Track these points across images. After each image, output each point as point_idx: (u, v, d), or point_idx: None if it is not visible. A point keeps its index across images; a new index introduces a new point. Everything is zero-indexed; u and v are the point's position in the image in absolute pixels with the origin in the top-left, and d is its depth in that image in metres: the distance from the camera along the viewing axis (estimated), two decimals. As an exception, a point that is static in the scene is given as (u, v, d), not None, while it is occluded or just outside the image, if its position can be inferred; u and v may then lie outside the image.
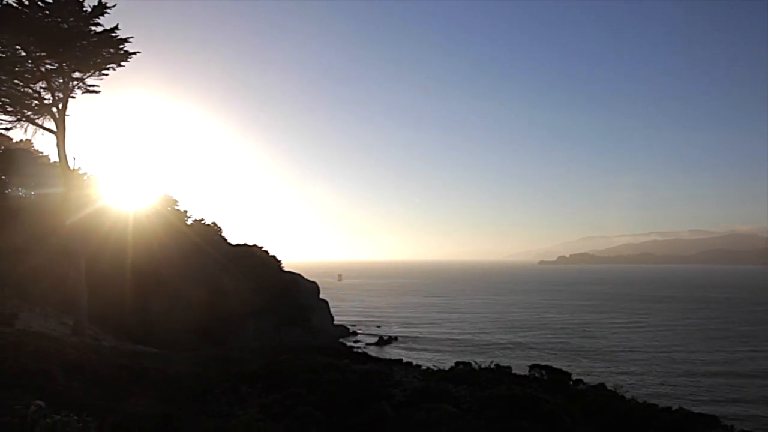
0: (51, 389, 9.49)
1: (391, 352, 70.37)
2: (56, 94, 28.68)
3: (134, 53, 29.69)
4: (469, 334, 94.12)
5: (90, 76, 29.50)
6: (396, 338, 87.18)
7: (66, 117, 29.18)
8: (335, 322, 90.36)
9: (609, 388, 20.50)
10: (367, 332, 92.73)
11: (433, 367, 24.73)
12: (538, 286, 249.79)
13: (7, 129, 28.75)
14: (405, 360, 45.31)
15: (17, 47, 26.77)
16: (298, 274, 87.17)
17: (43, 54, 27.34)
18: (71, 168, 30.13)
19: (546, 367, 20.96)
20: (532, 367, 21.23)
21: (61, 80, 28.62)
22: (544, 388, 17.04)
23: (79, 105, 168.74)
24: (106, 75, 29.99)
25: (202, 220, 74.84)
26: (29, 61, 27.29)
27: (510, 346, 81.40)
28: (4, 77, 26.94)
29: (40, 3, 25.56)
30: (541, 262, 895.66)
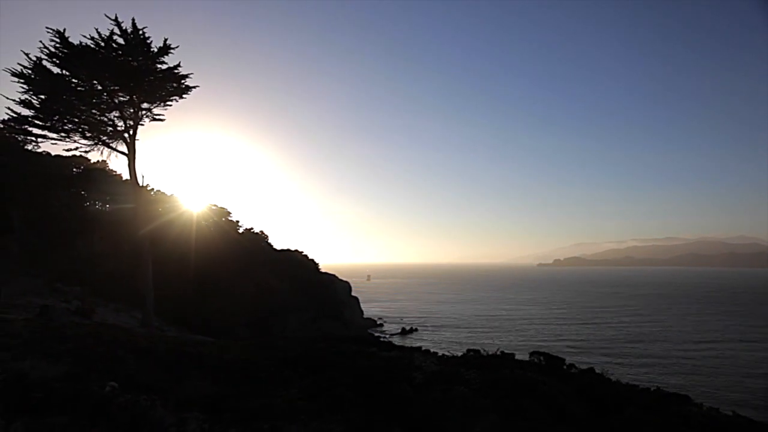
0: (123, 372, 9.50)
1: (412, 341, 69.99)
2: (128, 121, 29.03)
3: (194, 87, 29.99)
4: (476, 326, 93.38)
5: (156, 106, 29.79)
6: (416, 329, 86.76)
7: (136, 141, 29.55)
8: (364, 316, 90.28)
9: (597, 371, 20.07)
10: (391, 324, 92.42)
11: (447, 354, 24.40)
12: (537, 285, 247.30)
13: (86, 151, 29.11)
14: (424, 348, 44.91)
15: (94, 82, 27.16)
16: (333, 275, 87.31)
17: (116, 88, 27.70)
18: (141, 185, 30.43)
19: (544, 353, 20.61)
20: (532, 353, 20.88)
21: (131, 110, 28.97)
22: (543, 371, 16.78)
23: (147, 131, 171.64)
24: (170, 105, 30.30)
25: (251, 228, 75.29)
26: (104, 93, 27.66)
27: (513, 336, 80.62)
28: (83, 107, 27.34)
29: (114, 44, 25.95)
30: (540, 265, 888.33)
